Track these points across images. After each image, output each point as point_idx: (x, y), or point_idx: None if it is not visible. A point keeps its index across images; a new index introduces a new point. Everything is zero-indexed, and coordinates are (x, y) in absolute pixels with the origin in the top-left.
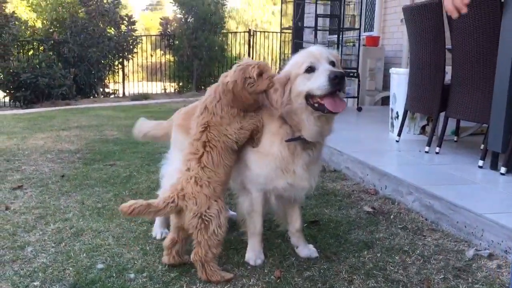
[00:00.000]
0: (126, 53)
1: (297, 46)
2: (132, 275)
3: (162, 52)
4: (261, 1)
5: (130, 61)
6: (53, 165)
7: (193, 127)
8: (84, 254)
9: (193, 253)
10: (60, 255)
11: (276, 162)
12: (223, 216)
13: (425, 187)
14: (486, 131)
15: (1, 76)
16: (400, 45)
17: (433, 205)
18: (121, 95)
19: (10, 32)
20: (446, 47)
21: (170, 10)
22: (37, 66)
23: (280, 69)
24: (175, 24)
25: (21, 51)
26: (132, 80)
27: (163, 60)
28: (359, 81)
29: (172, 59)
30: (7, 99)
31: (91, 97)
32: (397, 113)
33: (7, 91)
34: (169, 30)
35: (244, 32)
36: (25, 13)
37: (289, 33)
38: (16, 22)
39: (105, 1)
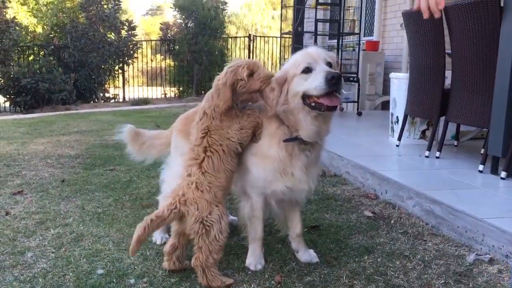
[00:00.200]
0: (126, 58)
1: (297, 51)
2: (132, 281)
3: (162, 57)
4: (261, 5)
5: (130, 66)
6: (53, 170)
7: (193, 133)
8: (84, 260)
9: (194, 258)
10: (60, 260)
11: (274, 164)
12: (224, 221)
13: (425, 191)
14: (486, 136)
15: (2, 81)
16: (400, 49)
17: (434, 210)
18: (121, 100)
19: (11, 38)
20: (446, 51)
21: (171, 15)
22: (38, 71)
23: None
24: (175, 29)
25: (22, 56)
26: (132, 85)
27: (163, 65)
28: (359, 85)
29: (172, 64)
30: (7, 104)
31: (91, 102)
32: (397, 117)
33: (8, 96)
34: (169, 35)
35: (244, 36)
36: (25, 18)
37: (289, 38)
38: (17, 28)
39: (105, 6)
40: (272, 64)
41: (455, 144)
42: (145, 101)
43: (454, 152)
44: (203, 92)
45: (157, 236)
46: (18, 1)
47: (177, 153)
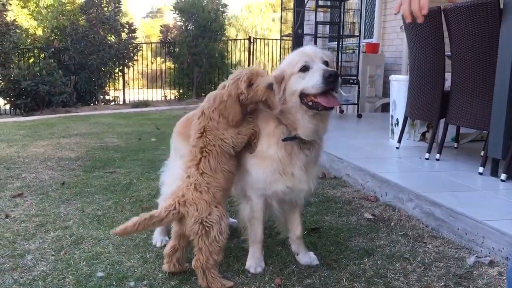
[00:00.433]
0: (126, 61)
1: None
2: (132, 283)
3: (162, 59)
4: (261, 8)
5: (131, 68)
6: (53, 173)
7: (192, 134)
8: (84, 262)
9: (194, 260)
10: (60, 263)
11: (274, 164)
12: (224, 222)
13: (425, 194)
14: (486, 138)
15: (2, 83)
16: (400, 52)
17: (434, 212)
18: (121, 102)
19: (11, 40)
20: (446, 54)
21: (171, 18)
22: (38, 73)
23: None
24: (176, 32)
25: (22, 58)
26: (133, 87)
27: (163, 67)
28: (359, 88)
29: (172, 66)
30: (7, 106)
31: (92, 104)
32: (397, 119)
33: (8, 98)
34: (169, 38)
35: (244, 39)
36: (26, 21)
37: (289, 40)
38: (17, 30)
39: (105, 9)
40: (272, 66)
41: (455, 146)
42: (145, 104)
43: (454, 154)
44: (203, 94)
45: (157, 239)
46: (19, 4)
47: (177, 155)
